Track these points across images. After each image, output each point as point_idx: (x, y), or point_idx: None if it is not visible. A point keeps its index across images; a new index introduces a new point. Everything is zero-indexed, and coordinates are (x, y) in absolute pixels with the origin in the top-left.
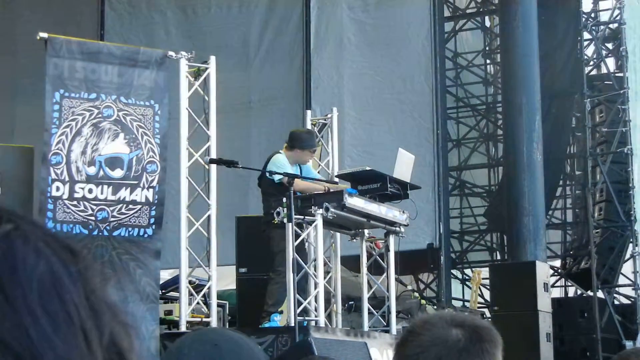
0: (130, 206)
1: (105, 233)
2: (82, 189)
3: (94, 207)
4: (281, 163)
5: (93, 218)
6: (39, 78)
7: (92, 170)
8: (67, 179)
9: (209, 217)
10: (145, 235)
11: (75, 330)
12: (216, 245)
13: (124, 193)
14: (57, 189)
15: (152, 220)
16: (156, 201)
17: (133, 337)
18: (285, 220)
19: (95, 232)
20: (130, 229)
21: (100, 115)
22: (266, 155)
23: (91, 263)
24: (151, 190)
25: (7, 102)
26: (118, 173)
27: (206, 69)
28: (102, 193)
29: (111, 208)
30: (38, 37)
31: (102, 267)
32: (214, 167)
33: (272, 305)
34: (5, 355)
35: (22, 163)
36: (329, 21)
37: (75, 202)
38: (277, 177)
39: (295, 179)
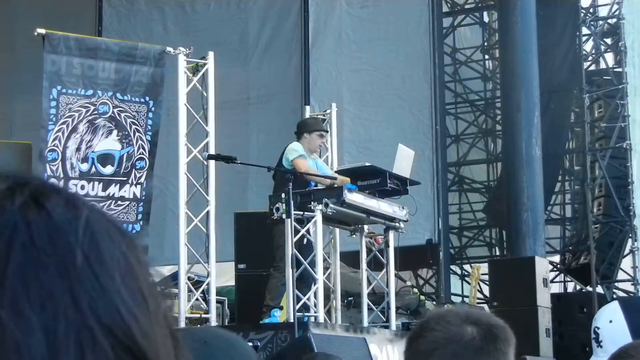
0: (119, 202)
1: None
2: (75, 185)
3: None
4: (293, 148)
5: None
6: (37, 74)
7: (85, 167)
8: (61, 175)
9: (207, 213)
10: (133, 232)
11: (147, 307)
12: (215, 242)
13: (113, 189)
14: None
15: (140, 217)
16: (144, 197)
17: (174, 311)
18: (284, 216)
19: None
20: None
21: (95, 112)
22: (265, 151)
23: (140, 245)
24: (139, 186)
25: (5, 98)
26: (109, 169)
27: (204, 64)
28: (93, 189)
29: (101, 204)
30: (36, 34)
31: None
32: (212, 163)
33: (272, 299)
34: (103, 331)
35: (20, 159)
36: (328, 17)
37: None
38: (289, 160)
39: (304, 167)
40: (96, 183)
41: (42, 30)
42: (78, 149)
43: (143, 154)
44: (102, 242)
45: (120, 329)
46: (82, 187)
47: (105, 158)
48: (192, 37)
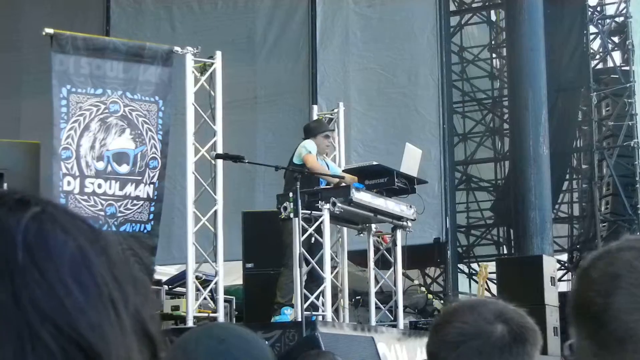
0: (135, 202)
1: (113, 228)
2: (92, 183)
3: (103, 202)
4: (303, 145)
5: (102, 213)
6: (44, 74)
7: (100, 165)
8: (77, 173)
9: (215, 212)
10: (145, 231)
11: (104, 300)
12: (223, 241)
13: (129, 188)
14: (69, 183)
15: (152, 216)
16: (155, 197)
17: (153, 309)
18: (291, 215)
19: (105, 228)
20: (133, 224)
21: (107, 111)
22: (272, 151)
23: (111, 240)
24: (151, 186)
25: (12, 97)
26: (124, 168)
27: (212, 64)
28: (110, 188)
29: (119, 203)
30: (44, 33)
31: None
32: (220, 162)
33: (282, 296)
34: (45, 324)
35: (28, 159)
36: (335, 16)
37: (85, 197)
38: (297, 159)
39: (311, 162)
40: (113, 182)
41: (50, 30)
42: (92, 147)
43: (155, 153)
44: (51, 236)
45: (65, 321)
46: (99, 186)
47: (121, 157)
48: (200, 36)
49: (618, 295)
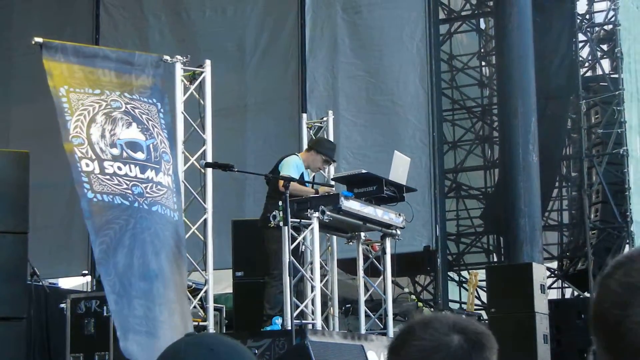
0: (159, 186)
1: (145, 207)
2: (111, 166)
3: (128, 182)
4: (289, 164)
5: (130, 192)
6: (34, 83)
7: (115, 152)
8: (93, 157)
9: (205, 221)
10: (174, 219)
11: None
12: (212, 249)
13: (150, 174)
14: (87, 165)
15: (176, 207)
16: (175, 190)
17: None
18: (281, 223)
19: (136, 204)
20: (163, 207)
21: (109, 107)
22: (262, 159)
23: None
24: (170, 177)
25: (2, 107)
26: (140, 155)
27: (201, 72)
28: (131, 171)
29: (143, 185)
30: (33, 42)
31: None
32: (209, 170)
33: (271, 308)
34: None
35: (18, 168)
36: (324, 24)
37: (108, 177)
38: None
39: (291, 182)
40: (132, 166)
41: (39, 39)
42: (103, 136)
43: (165, 149)
44: None
45: None
46: (120, 168)
47: (134, 145)
48: (189, 44)
49: (635, 307)
